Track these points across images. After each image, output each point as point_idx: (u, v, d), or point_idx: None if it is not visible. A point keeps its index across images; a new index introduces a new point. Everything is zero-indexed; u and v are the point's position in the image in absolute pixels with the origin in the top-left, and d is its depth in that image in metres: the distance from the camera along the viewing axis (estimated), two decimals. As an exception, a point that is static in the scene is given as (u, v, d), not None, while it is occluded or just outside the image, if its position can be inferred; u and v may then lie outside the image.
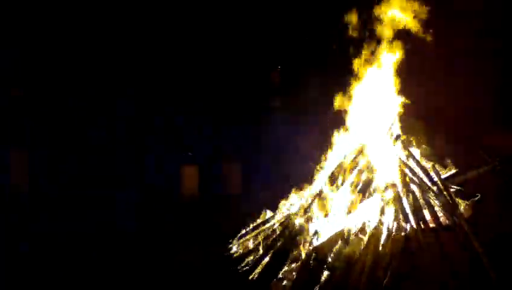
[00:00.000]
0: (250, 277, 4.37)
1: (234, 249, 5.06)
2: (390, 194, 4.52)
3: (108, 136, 8.75)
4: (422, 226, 4.11)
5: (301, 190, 5.34)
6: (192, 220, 6.67)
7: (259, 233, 5.07)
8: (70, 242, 5.73)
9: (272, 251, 4.50)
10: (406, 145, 5.03)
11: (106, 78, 9.09)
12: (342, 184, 4.89)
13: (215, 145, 8.87)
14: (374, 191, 4.66)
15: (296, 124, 8.19)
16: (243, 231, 5.32)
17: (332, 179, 4.95)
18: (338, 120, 5.44)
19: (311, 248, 4.28)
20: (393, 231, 4.19)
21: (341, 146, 5.34)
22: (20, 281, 4.68)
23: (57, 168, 8.42)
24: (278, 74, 8.38)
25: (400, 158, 4.84)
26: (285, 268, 4.30)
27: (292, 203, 5.21)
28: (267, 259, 4.45)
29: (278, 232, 4.75)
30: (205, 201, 7.69)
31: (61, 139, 8.65)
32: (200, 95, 9.45)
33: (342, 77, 5.53)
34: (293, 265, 4.30)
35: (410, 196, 4.43)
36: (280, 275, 4.25)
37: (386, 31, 5.29)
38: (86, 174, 8.31)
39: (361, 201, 4.58)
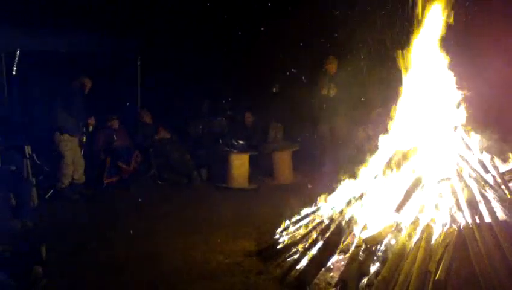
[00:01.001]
0: (298, 267, 4.38)
1: (282, 238, 5.07)
2: (445, 187, 4.39)
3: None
4: (477, 220, 3.96)
5: (352, 179, 5.26)
6: (242, 207, 6.75)
7: (308, 223, 5.05)
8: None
9: (320, 241, 4.48)
10: (463, 137, 4.85)
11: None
12: (396, 175, 4.79)
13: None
14: (429, 183, 4.53)
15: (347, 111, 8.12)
16: (292, 220, 5.32)
17: (386, 169, 4.85)
18: (392, 109, 5.35)
19: (361, 239, 4.23)
20: (448, 224, 4.07)
21: (395, 136, 5.22)
22: None
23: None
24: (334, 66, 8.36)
25: (457, 150, 4.69)
26: (334, 259, 4.28)
27: (343, 193, 5.15)
28: (315, 249, 4.44)
29: (327, 222, 4.72)
30: (254, 189, 7.76)
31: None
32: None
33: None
34: (342, 256, 4.27)
35: (466, 190, 4.27)
36: (328, 265, 4.23)
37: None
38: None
39: (415, 193, 4.46)
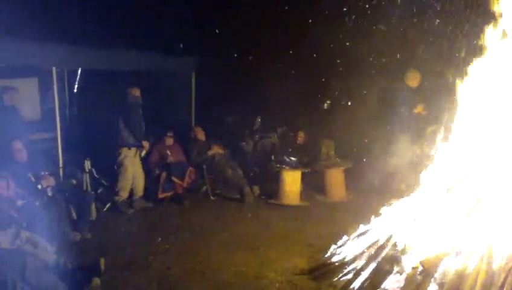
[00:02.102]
0: (352, 286, 4.31)
1: (336, 257, 5.00)
2: (507, 208, 4.21)
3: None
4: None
5: (409, 198, 5.15)
6: (294, 224, 6.72)
7: (362, 242, 4.97)
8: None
9: (375, 261, 4.39)
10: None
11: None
12: (454, 195, 4.64)
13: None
14: (489, 204, 4.37)
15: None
16: (346, 239, 5.25)
17: (444, 187, 4.72)
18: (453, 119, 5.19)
19: (418, 260, 4.11)
20: (511, 247, 3.91)
21: (452, 155, 5.07)
22: None
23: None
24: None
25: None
26: (389, 279, 4.18)
27: (399, 212, 5.04)
28: (370, 269, 4.35)
29: (382, 241, 4.63)
30: (306, 206, 7.72)
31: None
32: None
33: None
34: (398, 277, 4.17)
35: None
36: (383, 286, 4.13)
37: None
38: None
39: (474, 214, 4.31)
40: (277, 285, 4.68)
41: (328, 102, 10.85)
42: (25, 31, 6.89)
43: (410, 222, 4.65)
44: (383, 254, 4.43)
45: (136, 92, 7.45)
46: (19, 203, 5.24)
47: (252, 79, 10.86)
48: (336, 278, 4.58)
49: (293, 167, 8.03)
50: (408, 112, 7.93)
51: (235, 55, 10.80)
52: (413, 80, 8.01)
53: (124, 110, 7.36)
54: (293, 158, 8.17)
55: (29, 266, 3.89)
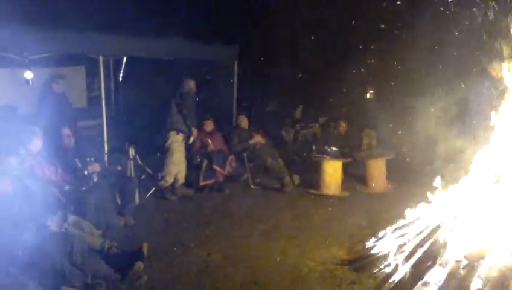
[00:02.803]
0: (393, 279, 4.26)
1: (376, 248, 4.96)
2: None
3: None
4: None
5: (453, 187, 5.02)
6: (334, 214, 6.69)
7: (404, 234, 4.90)
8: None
9: (417, 253, 4.33)
10: None
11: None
12: (503, 185, 4.51)
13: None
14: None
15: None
16: (387, 230, 5.19)
17: (492, 178, 4.58)
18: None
19: (462, 254, 4.03)
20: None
21: (499, 147, 4.92)
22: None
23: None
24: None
25: None
26: (432, 272, 4.11)
27: (443, 205, 4.93)
28: (412, 261, 4.29)
29: (425, 234, 4.55)
30: (347, 197, 7.66)
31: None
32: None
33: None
34: (441, 270, 4.09)
35: None
36: (425, 279, 4.07)
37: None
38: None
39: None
40: (316, 274, 4.68)
41: (371, 92, 10.71)
42: (72, 21, 7.09)
43: (454, 214, 4.54)
44: (425, 247, 4.36)
45: (192, 84, 7.63)
46: (66, 188, 5.42)
47: (294, 68, 10.82)
48: (376, 270, 4.54)
49: (334, 156, 7.98)
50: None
51: (279, 44, 10.78)
52: (496, 70, 7.66)
53: (179, 97, 7.48)
54: (334, 148, 8.11)
55: (76, 249, 4.03)
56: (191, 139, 7.73)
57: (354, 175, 8.36)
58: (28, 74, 7.86)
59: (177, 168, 7.50)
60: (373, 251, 4.92)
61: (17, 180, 4.66)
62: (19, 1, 7.32)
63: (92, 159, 6.15)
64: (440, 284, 3.91)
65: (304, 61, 10.71)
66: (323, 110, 10.41)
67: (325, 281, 4.53)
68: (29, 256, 3.54)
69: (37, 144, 5.46)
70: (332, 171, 7.78)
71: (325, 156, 7.96)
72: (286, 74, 10.90)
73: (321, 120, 9.97)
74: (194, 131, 7.72)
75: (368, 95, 10.80)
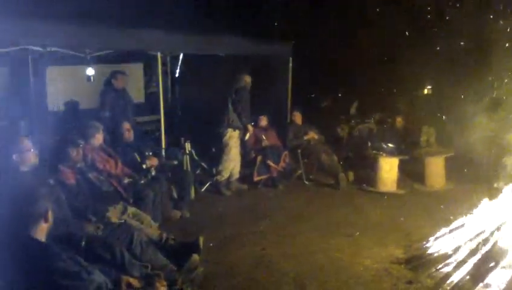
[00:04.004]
0: (452, 279, 4.14)
1: (434, 247, 4.82)
2: None
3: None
4: None
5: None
6: (390, 212, 6.57)
7: (464, 233, 4.74)
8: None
9: (478, 254, 4.18)
10: None
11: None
12: None
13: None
14: None
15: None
16: (446, 229, 5.04)
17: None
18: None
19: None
20: None
21: None
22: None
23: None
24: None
25: None
26: (494, 274, 3.96)
27: (504, 201, 4.74)
28: (472, 262, 4.15)
29: (487, 234, 4.38)
30: (403, 194, 7.49)
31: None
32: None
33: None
34: (503, 272, 3.94)
35: None
36: (487, 281, 3.93)
37: None
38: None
39: None
40: (372, 272, 4.61)
41: (429, 87, 10.40)
42: (131, 19, 7.28)
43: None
44: (486, 248, 4.20)
45: (248, 79, 7.68)
46: (126, 181, 5.58)
47: (350, 64, 10.67)
48: (434, 270, 4.43)
49: (391, 153, 7.82)
50: None
51: (333, 40, 10.66)
52: None
53: (234, 93, 7.55)
54: (390, 145, 7.95)
55: (135, 240, 4.14)
56: (247, 136, 7.77)
57: (410, 172, 8.16)
58: (90, 71, 8.17)
59: (233, 163, 7.57)
60: (431, 250, 4.80)
61: (80, 172, 4.85)
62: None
63: (150, 153, 6.31)
64: (503, 287, 3.77)
65: (360, 57, 10.53)
66: (379, 106, 10.21)
67: (381, 280, 4.46)
68: (92, 246, 3.67)
69: (98, 138, 5.66)
70: (388, 168, 7.64)
71: (381, 152, 7.82)
72: (341, 70, 10.77)
73: (377, 116, 9.78)
74: (250, 127, 7.76)
75: (426, 91, 10.49)
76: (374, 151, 7.93)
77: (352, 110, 10.25)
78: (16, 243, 2.45)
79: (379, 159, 7.68)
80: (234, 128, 7.53)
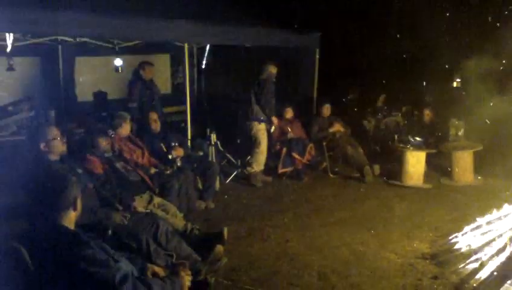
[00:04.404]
0: (478, 276, 4.09)
1: (461, 243, 4.76)
2: None
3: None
4: None
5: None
6: (416, 206, 6.50)
7: (492, 229, 4.66)
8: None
9: (507, 251, 4.11)
10: None
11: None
12: None
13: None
14: None
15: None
16: (473, 225, 4.96)
17: None
18: None
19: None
20: None
21: None
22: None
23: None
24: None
25: None
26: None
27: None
28: (500, 259, 4.08)
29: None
30: (429, 189, 7.39)
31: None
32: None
33: None
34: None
35: None
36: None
37: None
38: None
39: None
40: (397, 267, 4.58)
41: (458, 80, 10.21)
42: (159, 9, 7.32)
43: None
44: (515, 245, 4.13)
45: (273, 69, 7.63)
46: (152, 171, 5.65)
47: (376, 56, 10.56)
48: (461, 266, 4.37)
49: (418, 147, 7.71)
50: None
51: (360, 31, 10.55)
52: None
53: (257, 85, 7.54)
54: (418, 138, 7.84)
55: (161, 229, 4.19)
56: (272, 128, 7.74)
57: (438, 167, 8.05)
58: (118, 61, 8.27)
59: (265, 155, 7.57)
60: (457, 246, 4.73)
61: (108, 162, 4.93)
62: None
63: (176, 144, 6.36)
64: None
65: (387, 50, 10.41)
66: (406, 98, 10.08)
67: (406, 274, 4.42)
68: (118, 234, 3.74)
69: (126, 128, 5.74)
70: (415, 162, 7.54)
71: (408, 146, 7.72)
72: (368, 62, 10.66)
73: (404, 109, 9.66)
74: (275, 120, 7.72)
75: (455, 84, 10.30)
76: (401, 145, 7.83)
77: (379, 103, 10.14)
78: (45, 231, 2.50)
79: (406, 152, 7.59)
80: (259, 121, 7.52)
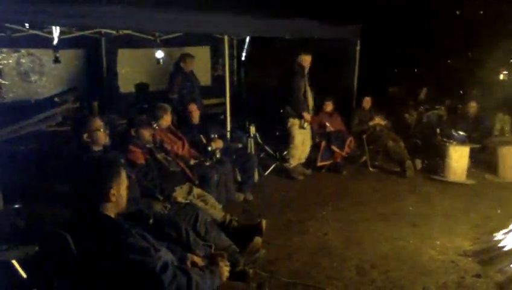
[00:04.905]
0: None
1: (506, 241, 4.62)
2: None
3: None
4: None
5: None
6: (458, 202, 6.35)
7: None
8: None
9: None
10: None
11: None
12: None
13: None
14: None
15: None
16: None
17: None
18: None
19: None
20: None
21: None
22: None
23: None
24: None
25: None
26: None
27: None
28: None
29: None
30: (473, 184, 7.20)
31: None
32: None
33: None
34: None
35: None
36: None
37: None
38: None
39: None
40: (438, 264, 4.49)
41: (505, 72, 9.89)
42: (200, 2, 7.36)
43: None
44: None
45: (303, 60, 7.38)
46: (192, 162, 5.71)
47: (419, 48, 10.33)
48: (505, 265, 4.25)
49: (462, 141, 7.52)
50: None
51: (403, 23, 10.34)
52: None
53: (289, 79, 7.47)
54: (461, 132, 7.65)
55: (200, 220, 4.23)
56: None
57: (482, 162, 7.83)
58: (159, 53, 8.38)
59: (300, 150, 7.52)
60: (501, 244, 4.60)
61: (149, 153, 5.01)
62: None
63: (216, 135, 6.40)
64: None
65: (431, 42, 10.17)
66: (450, 91, 9.83)
67: (447, 271, 4.34)
68: (159, 224, 3.80)
69: (167, 119, 5.81)
70: (458, 157, 7.36)
71: (451, 140, 7.54)
72: (411, 54, 10.44)
73: (448, 102, 9.42)
74: (306, 116, 7.43)
75: (502, 76, 9.98)
76: (444, 139, 7.66)
77: (421, 96, 9.93)
78: (88, 219, 2.57)
79: (448, 147, 7.41)
80: (293, 117, 7.43)
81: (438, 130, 8.10)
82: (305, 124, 7.45)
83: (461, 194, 6.71)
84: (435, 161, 7.79)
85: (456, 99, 9.35)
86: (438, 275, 4.27)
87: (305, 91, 7.39)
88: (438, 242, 4.99)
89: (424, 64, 10.54)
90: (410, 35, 10.40)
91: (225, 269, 2.93)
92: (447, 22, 10.19)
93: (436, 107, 9.28)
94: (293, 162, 7.49)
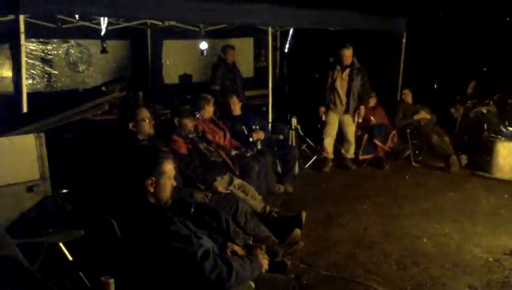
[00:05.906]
0: None
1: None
2: None
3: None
4: None
5: None
6: (505, 200, 6.17)
7: None
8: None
9: None
10: None
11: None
12: None
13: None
14: None
15: None
16: None
17: None
18: None
19: None
20: None
21: None
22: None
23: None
24: None
25: None
26: None
27: None
28: None
29: None
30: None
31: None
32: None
33: None
34: None
35: None
36: None
37: None
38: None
39: None
40: (481, 262, 4.39)
41: None
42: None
43: None
44: None
45: (343, 54, 7.27)
46: (233, 152, 5.76)
47: (466, 40, 10.03)
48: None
49: (510, 137, 7.28)
50: None
51: (451, 16, 10.07)
52: None
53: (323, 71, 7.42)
54: (510, 128, 7.40)
55: (240, 210, 4.29)
56: (323, 117, 7.44)
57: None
58: (203, 45, 8.47)
59: (330, 140, 7.46)
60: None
61: (192, 143, 5.09)
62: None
63: (257, 127, 6.44)
64: None
65: (479, 33, 9.85)
66: (499, 86, 9.51)
67: (491, 270, 4.23)
68: (200, 213, 3.87)
69: (209, 110, 5.88)
70: (506, 153, 7.12)
71: (499, 136, 7.31)
72: (458, 47, 10.15)
73: (496, 97, 9.11)
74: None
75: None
76: (491, 135, 7.43)
77: (469, 90, 9.64)
78: (134, 207, 2.64)
79: (496, 143, 7.20)
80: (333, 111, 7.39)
81: (485, 126, 7.87)
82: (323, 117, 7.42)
83: (508, 192, 6.50)
84: (481, 157, 7.57)
85: (506, 94, 9.04)
86: (481, 274, 4.17)
87: (333, 84, 7.34)
88: (482, 240, 4.87)
89: (472, 57, 10.23)
90: (457, 26, 10.11)
91: (265, 262, 2.96)
92: (497, 11, 9.85)
93: (484, 102, 9.00)
94: (325, 154, 7.45)
